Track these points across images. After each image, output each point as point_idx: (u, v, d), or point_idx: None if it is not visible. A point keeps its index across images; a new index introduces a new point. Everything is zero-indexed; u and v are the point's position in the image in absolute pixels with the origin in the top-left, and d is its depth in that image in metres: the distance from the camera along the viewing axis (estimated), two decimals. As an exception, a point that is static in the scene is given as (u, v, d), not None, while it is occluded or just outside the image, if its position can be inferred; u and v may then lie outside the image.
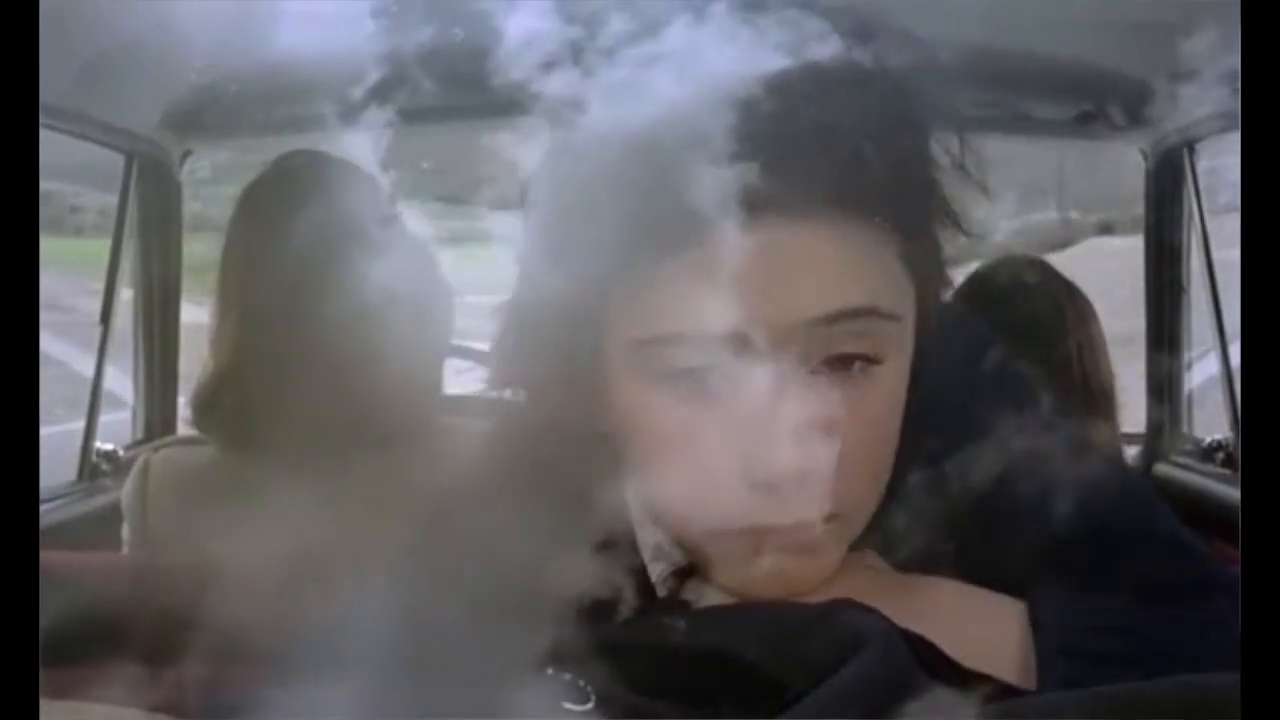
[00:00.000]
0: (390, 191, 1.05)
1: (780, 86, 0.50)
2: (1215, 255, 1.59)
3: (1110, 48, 1.32)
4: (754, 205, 0.48)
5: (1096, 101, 1.53)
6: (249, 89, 1.25)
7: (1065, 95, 1.54)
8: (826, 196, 0.50)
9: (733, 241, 0.49)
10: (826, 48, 0.51)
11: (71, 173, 1.62)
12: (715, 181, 0.48)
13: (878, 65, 0.53)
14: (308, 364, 1.02)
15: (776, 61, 0.50)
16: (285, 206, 1.07)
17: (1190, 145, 1.58)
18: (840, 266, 0.51)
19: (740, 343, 0.50)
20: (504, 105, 0.52)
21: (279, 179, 1.13)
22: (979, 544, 0.57)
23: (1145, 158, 1.71)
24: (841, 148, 0.50)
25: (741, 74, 0.49)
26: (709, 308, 0.49)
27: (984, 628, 0.55)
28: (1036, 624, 0.54)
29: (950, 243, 0.57)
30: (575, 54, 0.51)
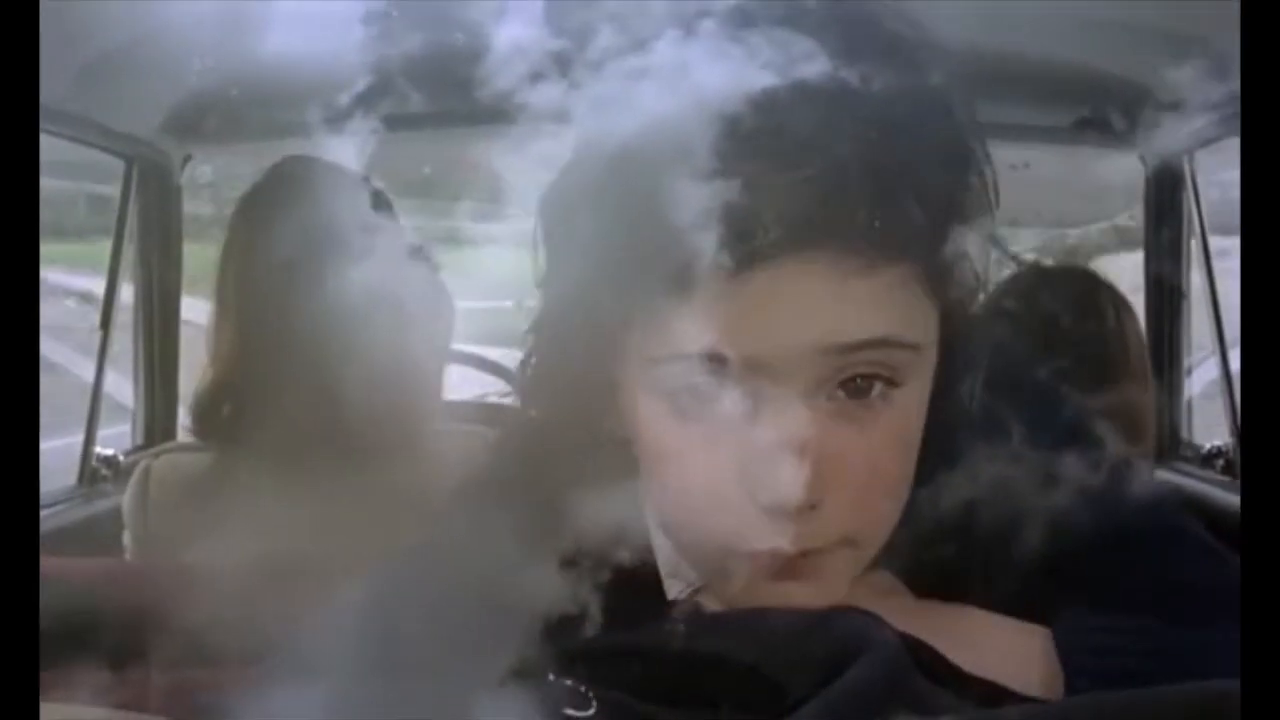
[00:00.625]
0: (387, 197, 1.05)
1: (789, 109, 0.49)
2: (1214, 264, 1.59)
3: (1108, 53, 1.32)
4: (769, 233, 0.48)
5: (1095, 108, 1.53)
6: (249, 93, 1.25)
7: (1062, 101, 1.54)
8: (838, 226, 0.49)
9: (747, 268, 0.48)
10: (816, 66, 0.50)
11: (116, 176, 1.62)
12: (728, 206, 0.47)
13: (881, 85, 0.51)
14: (306, 370, 1.02)
15: (768, 80, 0.49)
16: (282, 212, 1.07)
17: (1189, 151, 1.58)
18: (854, 297, 0.50)
19: (750, 367, 0.50)
20: (490, 114, 0.51)
21: (276, 184, 1.13)
22: (1001, 562, 0.56)
23: (1144, 164, 1.71)
24: (853, 178, 0.48)
25: (754, 98, 0.48)
26: (721, 332, 0.49)
27: (1008, 655, 0.54)
28: (1062, 650, 0.54)
29: (975, 261, 0.55)
30: (563, 66, 0.51)
